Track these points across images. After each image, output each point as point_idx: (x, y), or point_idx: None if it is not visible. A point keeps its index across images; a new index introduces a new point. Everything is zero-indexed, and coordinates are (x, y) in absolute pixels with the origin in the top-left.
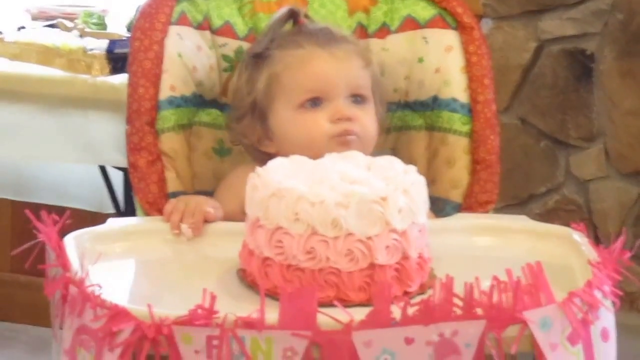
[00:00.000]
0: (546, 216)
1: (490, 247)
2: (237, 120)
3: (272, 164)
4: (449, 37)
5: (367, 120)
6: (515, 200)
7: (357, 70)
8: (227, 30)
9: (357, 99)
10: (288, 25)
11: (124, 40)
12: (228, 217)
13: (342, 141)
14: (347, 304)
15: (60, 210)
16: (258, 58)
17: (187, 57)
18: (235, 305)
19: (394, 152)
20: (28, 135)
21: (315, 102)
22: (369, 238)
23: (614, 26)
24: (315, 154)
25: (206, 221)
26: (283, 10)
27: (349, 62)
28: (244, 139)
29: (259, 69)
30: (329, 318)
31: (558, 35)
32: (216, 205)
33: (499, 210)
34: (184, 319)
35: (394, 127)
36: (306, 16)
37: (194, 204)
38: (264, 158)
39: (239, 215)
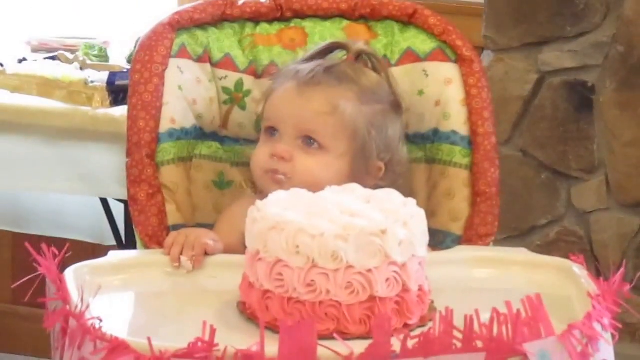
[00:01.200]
0: (547, 248)
1: (489, 280)
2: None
3: (272, 197)
4: (449, 70)
5: (309, 166)
6: (516, 231)
7: (313, 113)
8: (227, 63)
9: (310, 141)
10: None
11: (125, 72)
12: (228, 250)
13: (272, 178)
14: (347, 336)
15: (61, 242)
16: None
17: (187, 89)
18: (235, 338)
19: (394, 184)
20: (29, 167)
21: (272, 132)
22: (369, 271)
23: (615, 58)
24: (258, 183)
25: (206, 254)
26: (331, 41)
27: (310, 103)
28: None
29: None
30: (329, 351)
31: (558, 67)
32: (216, 237)
33: (499, 242)
34: (183, 352)
35: None
36: (365, 54)
37: (194, 237)
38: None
39: (240, 248)
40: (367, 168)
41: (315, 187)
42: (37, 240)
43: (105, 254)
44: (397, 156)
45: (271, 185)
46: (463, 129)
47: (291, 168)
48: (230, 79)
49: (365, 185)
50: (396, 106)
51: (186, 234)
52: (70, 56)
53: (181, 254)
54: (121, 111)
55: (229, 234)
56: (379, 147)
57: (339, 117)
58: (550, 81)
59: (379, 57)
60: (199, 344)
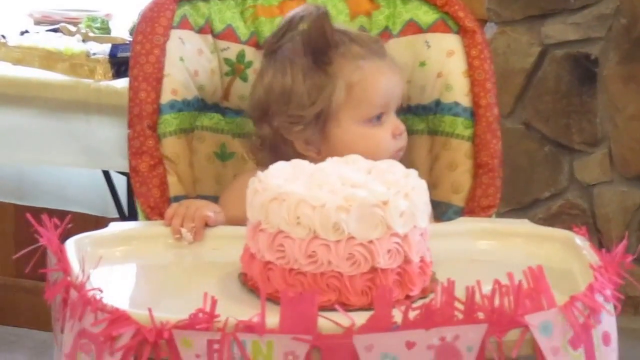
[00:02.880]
0: (550, 221)
1: (491, 251)
2: (293, 123)
3: (273, 168)
4: (451, 42)
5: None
6: (519, 205)
7: (403, 85)
8: (229, 34)
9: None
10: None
11: (127, 44)
12: (234, 222)
13: (397, 155)
14: (348, 308)
15: (63, 215)
16: (319, 62)
17: (189, 61)
18: (236, 309)
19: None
20: (30, 139)
21: (379, 116)
22: (370, 242)
23: (618, 31)
24: None
25: (207, 225)
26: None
27: (400, 77)
28: (278, 138)
29: (327, 75)
30: (330, 322)
31: (561, 40)
32: (217, 209)
33: (502, 214)
34: (184, 323)
35: None
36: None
37: (194, 209)
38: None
39: (244, 220)
40: None
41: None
42: (39, 213)
43: (107, 226)
44: None
45: None
46: (465, 101)
47: (405, 140)
48: (232, 50)
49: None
50: None
51: (187, 205)
52: (72, 29)
53: (182, 225)
54: (123, 83)
55: (233, 207)
56: None
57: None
58: (553, 54)
59: None
60: (200, 315)
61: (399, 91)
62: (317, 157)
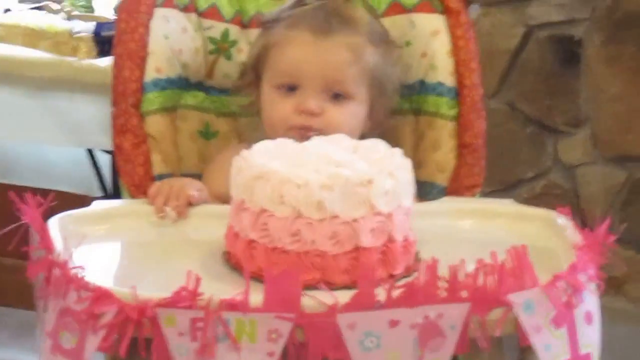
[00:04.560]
0: (533, 201)
1: (475, 230)
2: (241, 78)
3: (257, 146)
4: (436, 21)
5: (340, 118)
6: (503, 185)
7: (339, 65)
8: (213, 12)
9: (336, 94)
10: None
11: (111, 22)
12: (217, 199)
13: (300, 134)
14: (332, 286)
15: (46, 193)
16: (265, 26)
17: (173, 39)
18: (220, 288)
19: (380, 135)
20: (14, 117)
21: (291, 87)
22: (354, 220)
23: (601, 12)
24: (279, 138)
25: (190, 204)
26: None
27: (333, 55)
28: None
29: (261, 36)
30: (314, 300)
31: (545, 21)
32: (201, 187)
33: (486, 195)
34: (167, 301)
35: None
36: None
37: (178, 187)
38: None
39: (228, 196)
40: (385, 111)
41: None
42: (22, 191)
43: (91, 204)
44: (394, 102)
45: (299, 141)
46: (449, 80)
47: (322, 122)
48: (216, 29)
49: (376, 129)
50: (394, 46)
51: (170, 184)
52: (56, 6)
53: (166, 204)
54: (107, 62)
55: (217, 183)
56: (392, 89)
57: (360, 64)
58: (537, 35)
59: None
60: (184, 293)
61: (324, 71)
62: (259, 119)
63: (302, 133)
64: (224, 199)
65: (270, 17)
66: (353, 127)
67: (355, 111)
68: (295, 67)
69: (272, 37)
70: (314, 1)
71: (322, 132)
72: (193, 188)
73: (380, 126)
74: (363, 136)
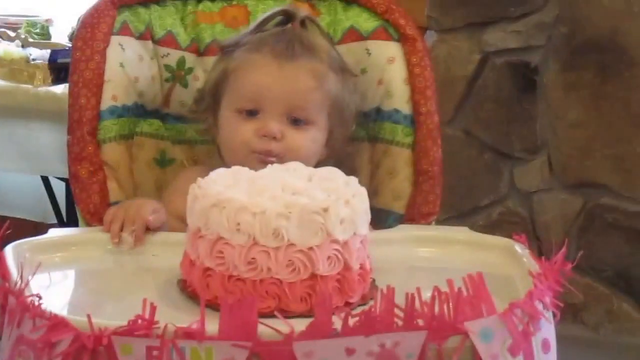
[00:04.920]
0: (490, 228)
1: (431, 258)
2: (197, 103)
3: (213, 174)
4: (392, 49)
5: (300, 142)
6: (459, 212)
7: (303, 90)
8: (169, 40)
9: (297, 119)
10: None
11: (67, 50)
12: (177, 219)
13: (261, 159)
14: (288, 314)
15: (1, 220)
16: (224, 50)
17: (129, 67)
18: (176, 316)
19: (336, 163)
20: None
21: (251, 112)
22: (310, 249)
23: (558, 39)
24: (240, 163)
25: (148, 228)
26: (276, 9)
27: (295, 80)
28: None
29: (220, 61)
30: (270, 329)
31: (502, 47)
32: (158, 207)
33: (442, 222)
34: (123, 329)
35: None
36: (309, 20)
37: (134, 211)
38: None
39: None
40: (343, 138)
41: (300, 162)
42: None
43: (46, 232)
44: (351, 130)
45: (259, 166)
46: (405, 108)
47: (283, 147)
48: (172, 56)
49: (333, 157)
50: (351, 74)
51: (125, 208)
52: (12, 34)
53: (121, 230)
54: (63, 89)
55: (177, 204)
56: (350, 116)
57: (322, 91)
58: (493, 62)
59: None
60: (139, 321)
61: (286, 95)
62: (214, 145)
63: (262, 158)
64: (184, 219)
65: (229, 42)
66: (312, 153)
67: (315, 137)
68: (258, 91)
69: (233, 61)
70: (273, 28)
71: (282, 156)
72: (149, 210)
73: (336, 154)
74: (319, 163)
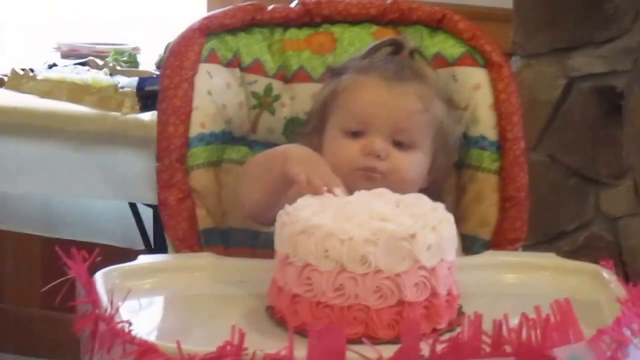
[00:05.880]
0: (575, 253)
1: (518, 284)
2: (304, 126)
3: (300, 201)
4: (478, 75)
5: (405, 163)
6: (545, 237)
7: (408, 111)
8: (256, 67)
9: (400, 142)
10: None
11: (154, 77)
12: (255, 209)
13: (366, 176)
14: (375, 341)
15: (90, 247)
16: (334, 73)
17: (217, 94)
18: (264, 342)
19: (423, 189)
20: (59, 171)
21: (357, 132)
22: (398, 275)
23: None
24: (344, 181)
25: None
26: (385, 38)
27: (403, 101)
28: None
29: (329, 83)
30: (358, 355)
31: (587, 72)
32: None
33: (528, 247)
34: (212, 356)
35: None
36: (416, 52)
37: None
38: None
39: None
40: (446, 167)
41: (404, 185)
42: (67, 245)
43: (135, 258)
44: (453, 160)
45: (363, 183)
46: (492, 134)
47: (387, 166)
48: (260, 83)
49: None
50: (456, 106)
51: (305, 163)
52: (100, 62)
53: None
54: (150, 116)
55: (252, 192)
56: (454, 146)
57: (428, 115)
58: (579, 86)
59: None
60: (228, 347)
61: (392, 117)
62: None
63: (367, 174)
64: (259, 207)
65: (339, 66)
66: (416, 176)
67: (419, 160)
68: (366, 109)
69: (342, 82)
70: (382, 55)
71: (386, 175)
72: (324, 162)
73: (435, 184)
74: (420, 191)
